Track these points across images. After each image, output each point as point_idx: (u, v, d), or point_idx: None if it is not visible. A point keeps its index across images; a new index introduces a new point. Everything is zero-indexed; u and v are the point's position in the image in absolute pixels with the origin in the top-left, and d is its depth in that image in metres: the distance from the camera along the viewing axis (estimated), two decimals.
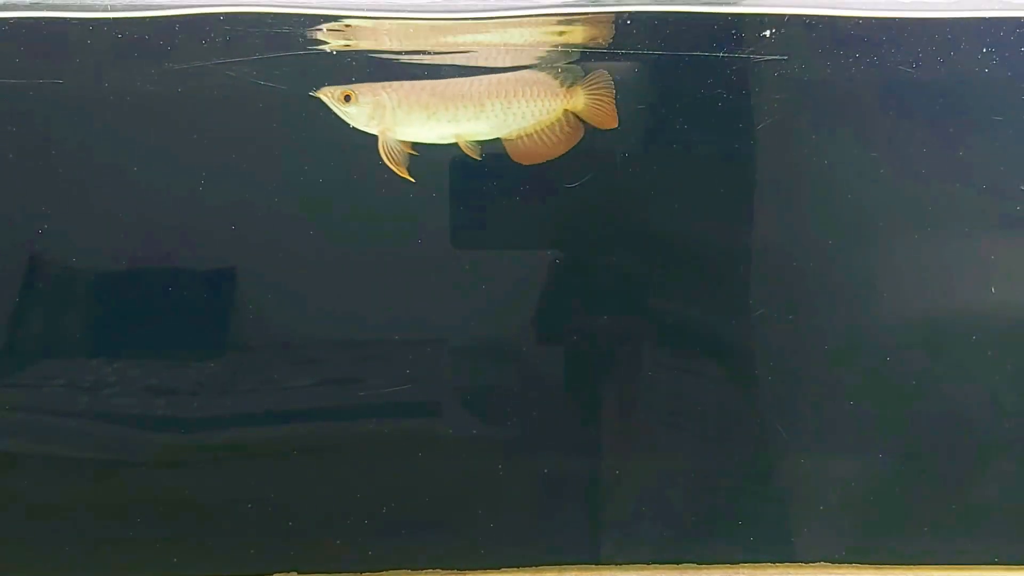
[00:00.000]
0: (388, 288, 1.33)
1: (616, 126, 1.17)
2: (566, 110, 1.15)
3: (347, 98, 1.14)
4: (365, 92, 1.14)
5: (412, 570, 1.36)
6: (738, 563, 1.37)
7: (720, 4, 1.20)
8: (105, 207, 1.30)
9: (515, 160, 1.16)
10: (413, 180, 1.16)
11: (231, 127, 1.28)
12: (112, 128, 1.27)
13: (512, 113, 1.14)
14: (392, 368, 1.34)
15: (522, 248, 1.32)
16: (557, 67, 1.17)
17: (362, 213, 1.31)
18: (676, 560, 1.37)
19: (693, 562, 1.37)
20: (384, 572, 1.35)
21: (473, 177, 1.27)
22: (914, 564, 1.37)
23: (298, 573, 1.35)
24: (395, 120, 1.14)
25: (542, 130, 1.16)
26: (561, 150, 1.17)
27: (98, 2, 1.20)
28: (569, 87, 1.15)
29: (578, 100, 1.15)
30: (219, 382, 1.33)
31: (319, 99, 1.15)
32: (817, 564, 1.37)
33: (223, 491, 1.35)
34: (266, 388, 1.34)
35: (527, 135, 1.15)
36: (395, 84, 1.15)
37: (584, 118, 1.16)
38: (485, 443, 1.36)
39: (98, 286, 1.33)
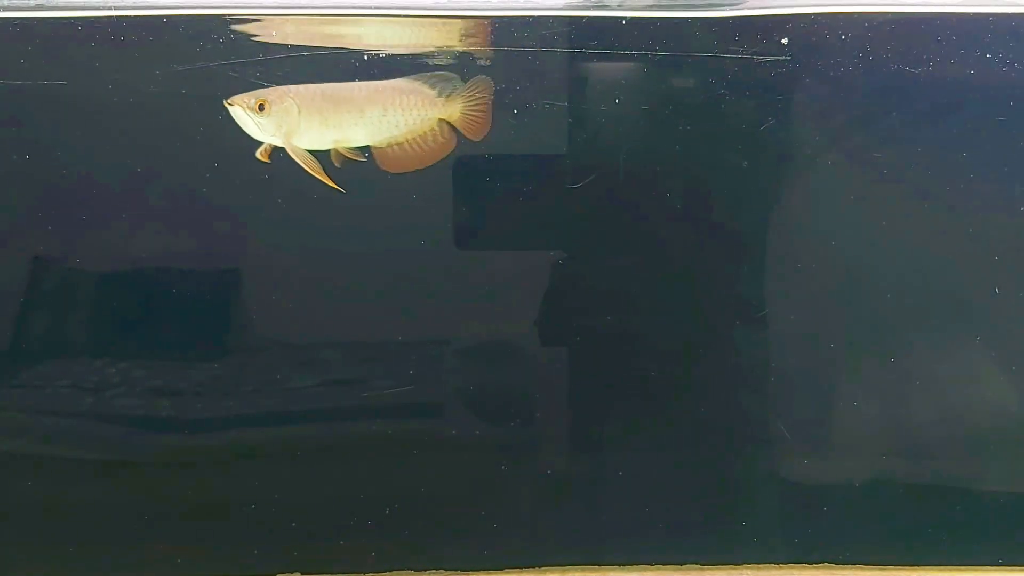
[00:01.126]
0: (391, 289, 1.33)
1: (484, 137, 1.15)
2: (440, 120, 1.13)
3: (261, 107, 1.10)
4: (275, 99, 1.10)
5: (415, 571, 1.36)
6: (741, 564, 1.37)
7: None
8: (109, 208, 1.30)
9: (382, 168, 1.14)
10: (343, 190, 1.13)
11: (234, 128, 1.28)
12: (116, 129, 1.27)
13: (387, 121, 1.12)
14: (395, 369, 1.34)
15: (526, 248, 1.32)
16: (433, 76, 1.15)
17: (365, 213, 1.30)
18: (679, 561, 1.37)
19: (696, 563, 1.37)
20: (387, 573, 1.36)
21: (476, 177, 1.28)
22: (918, 565, 1.37)
23: (301, 574, 1.35)
24: (298, 128, 1.11)
25: (414, 139, 1.13)
26: (430, 161, 1.15)
27: (103, 2, 1.20)
28: (447, 96, 1.14)
29: (454, 110, 1.14)
30: (223, 383, 1.33)
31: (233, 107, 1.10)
32: (820, 565, 1.37)
33: (226, 492, 1.35)
34: (269, 389, 1.34)
35: (397, 144, 1.13)
36: (293, 89, 1.12)
37: (458, 128, 1.15)
38: (488, 444, 1.36)
39: (101, 287, 1.33)
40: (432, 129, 1.13)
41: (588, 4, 1.23)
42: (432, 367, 1.33)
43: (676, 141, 1.27)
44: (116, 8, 1.19)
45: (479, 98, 1.15)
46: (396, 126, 1.12)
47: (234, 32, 1.20)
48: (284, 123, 1.10)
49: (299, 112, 1.10)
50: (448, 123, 1.14)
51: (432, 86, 1.13)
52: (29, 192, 1.28)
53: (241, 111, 1.09)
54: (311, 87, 1.12)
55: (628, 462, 1.37)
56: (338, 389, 1.34)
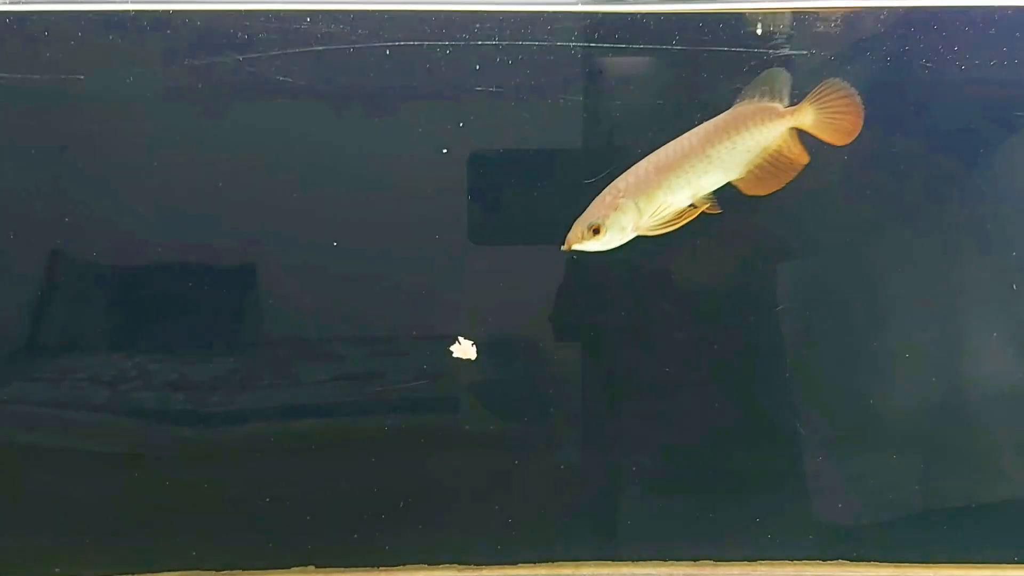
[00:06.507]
0: (405, 283, 1.33)
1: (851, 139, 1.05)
2: (791, 129, 1.04)
3: (596, 231, 1.03)
4: (605, 214, 1.03)
5: (429, 566, 1.36)
6: (755, 560, 1.37)
7: None
8: (126, 203, 1.30)
9: (750, 194, 1.06)
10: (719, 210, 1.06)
11: (250, 123, 1.29)
12: (134, 123, 1.28)
13: (739, 153, 1.04)
14: (409, 364, 1.34)
15: (540, 243, 1.32)
16: (762, 85, 1.05)
17: (380, 208, 1.31)
18: (693, 557, 1.37)
19: (710, 559, 1.37)
20: (400, 567, 1.36)
21: (491, 172, 1.28)
22: (933, 562, 1.36)
23: (315, 568, 1.35)
24: (647, 214, 1.04)
25: (769, 157, 1.05)
26: (789, 176, 1.06)
27: None
28: (795, 105, 1.04)
29: (806, 116, 1.04)
30: (238, 377, 1.34)
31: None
32: (835, 562, 1.37)
33: (241, 486, 1.35)
34: (284, 384, 1.35)
35: (757, 167, 1.05)
36: (622, 186, 1.04)
37: (816, 135, 1.05)
38: (502, 439, 1.36)
39: (118, 282, 1.34)
40: (785, 141, 1.04)
41: None
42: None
43: None
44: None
45: (836, 101, 1.03)
46: (751, 152, 1.04)
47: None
48: (629, 222, 1.04)
49: (638, 204, 1.03)
50: (798, 130, 1.04)
51: (771, 97, 1.04)
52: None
53: (584, 247, 1.04)
54: (639, 170, 1.05)
55: (646, 459, 1.37)
56: (353, 384, 1.35)
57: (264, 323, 1.34)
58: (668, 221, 1.05)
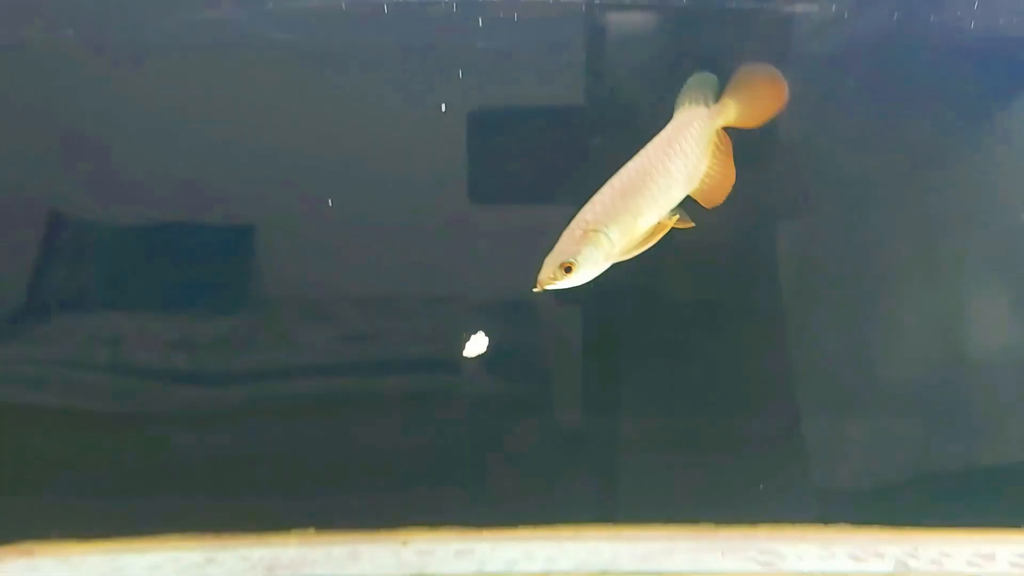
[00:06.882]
0: (405, 243, 1.32)
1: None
2: (717, 130, 1.01)
3: (568, 269, 0.96)
4: (576, 250, 0.96)
5: (429, 527, 1.36)
6: (756, 523, 1.36)
7: None
8: (123, 162, 1.29)
9: (711, 207, 1.01)
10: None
11: (244, 79, 1.27)
12: (128, 80, 1.26)
13: (691, 165, 1.00)
14: (410, 324, 1.33)
15: (541, 203, 1.30)
16: (692, 90, 1.01)
17: (380, 167, 1.29)
18: (694, 520, 1.36)
19: (711, 521, 1.36)
20: (401, 529, 1.35)
21: (490, 133, 1.26)
22: (935, 526, 1.36)
23: (316, 530, 1.35)
24: (620, 243, 0.98)
25: (713, 162, 1.01)
26: (730, 171, 1.02)
27: None
28: (716, 102, 1.01)
29: (729, 112, 1.01)
30: (238, 337, 1.33)
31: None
32: (838, 525, 1.36)
33: (241, 447, 1.35)
34: (284, 344, 1.34)
35: (707, 175, 1.01)
36: (590, 219, 0.98)
37: (740, 125, 1.02)
38: (503, 401, 1.35)
39: (117, 241, 1.33)
40: (715, 143, 1.00)
41: None
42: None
43: None
44: None
45: (753, 90, 1.00)
46: (702, 161, 1.00)
47: None
48: (601, 254, 0.98)
49: (608, 234, 0.97)
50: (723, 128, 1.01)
51: (699, 102, 1.01)
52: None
53: (557, 286, 0.98)
54: (604, 197, 0.99)
55: (647, 421, 1.36)
56: (353, 344, 1.34)
57: (264, 282, 1.33)
58: (638, 243, 1.00)
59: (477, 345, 1.26)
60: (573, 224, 0.99)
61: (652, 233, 1.00)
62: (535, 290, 0.97)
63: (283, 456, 1.34)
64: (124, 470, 1.34)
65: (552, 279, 0.97)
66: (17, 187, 1.28)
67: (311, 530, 1.35)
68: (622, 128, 1.25)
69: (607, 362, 1.35)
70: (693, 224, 1.01)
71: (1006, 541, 1.34)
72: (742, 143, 1.02)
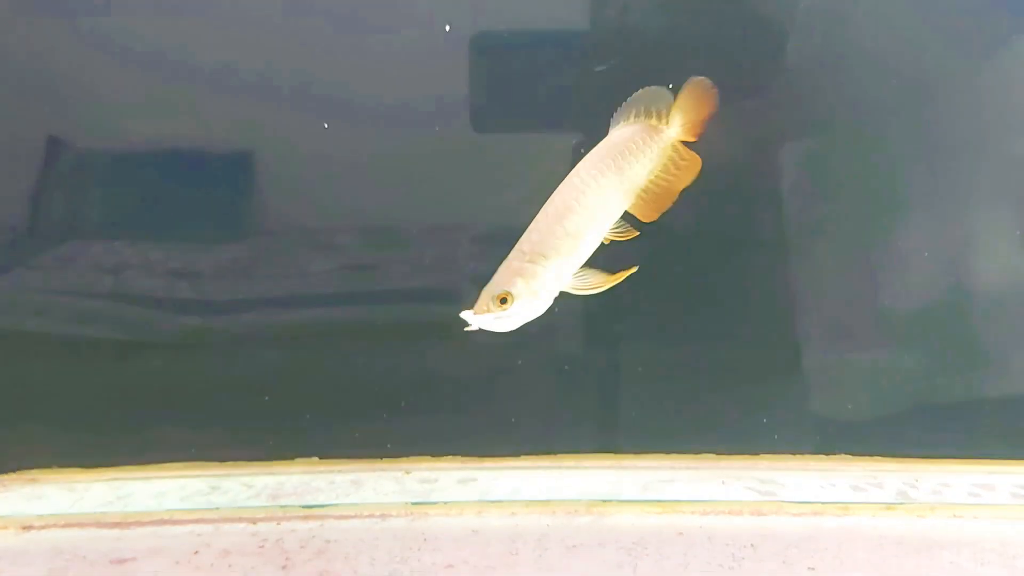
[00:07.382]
0: (407, 174, 1.31)
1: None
2: (674, 143, 0.99)
3: (504, 300, 0.94)
4: (515, 277, 0.94)
5: (432, 456, 1.36)
6: (757, 454, 1.37)
7: None
8: (125, 88, 1.28)
9: (648, 221, 1.00)
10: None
11: (246, 3, 1.26)
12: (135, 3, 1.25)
13: (628, 180, 0.98)
14: (411, 255, 1.33)
15: (545, 131, 1.30)
16: (638, 102, 1.00)
17: (381, 96, 1.28)
18: (695, 450, 1.37)
19: (712, 452, 1.37)
20: (404, 458, 1.36)
21: (494, 58, 1.25)
22: (935, 457, 1.36)
23: (319, 458, 1.36)
24: (564, 268, 0.96)
25: (657, 176, 0.99)
26: (683, 185, 1.00)
27: None
28: (667, 117, 0.99)
29: (677, 127, 0.99)
30: (241, 266, 1.33)
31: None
32: (838, 456, 1.37)
33: (245, 377, 1.35)
34: (288, 274, 1.34)
35: (645, 190, 0.99)
36: (524, 245, 0.96)
37: (689, 140, 1.00)
38: (505, 333, 1.35)
39: (119, 169, 1.32)
40: (670, 156, 0.99)
41: None
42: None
43: None
44: None
45: (697, 104, 0.99)
46: (639, 176, 0.98)
47: None
48: (542, 284, 0.95)
49: (548, 264, 0.95)
50: (682, 142, 1.00)
51: (647, 115, 0.99)
52: None
53: (489, 318, 0.95)
54: (539, 224, 0.97)
55: (647, 353, 1.36)
56: (356, 274, 1.34)
57: (266, 213, 1.33)
58: (592, 284, 0.99)
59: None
60: (511, 255, 0.96)
61: (608, 280, 0.99)
62: (466, 328, 0.94)
63: (287, 385, 1.34)
64: (128, 399, 1.35)
65: (486, 310, 0.93)
66: (18, 114, 1.28)
67: (315, 458, 1.36)
68: (629, 56, 1.24)
69: (609, 293, 1.35)
70: (637, 233, 0.99)
71: (1006, 472, 1.34)
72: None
